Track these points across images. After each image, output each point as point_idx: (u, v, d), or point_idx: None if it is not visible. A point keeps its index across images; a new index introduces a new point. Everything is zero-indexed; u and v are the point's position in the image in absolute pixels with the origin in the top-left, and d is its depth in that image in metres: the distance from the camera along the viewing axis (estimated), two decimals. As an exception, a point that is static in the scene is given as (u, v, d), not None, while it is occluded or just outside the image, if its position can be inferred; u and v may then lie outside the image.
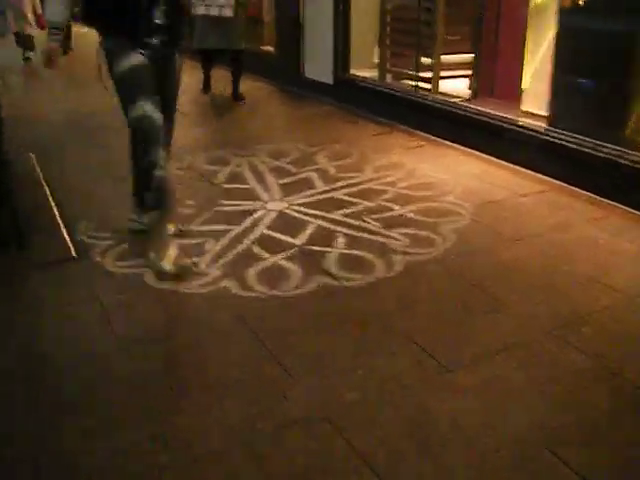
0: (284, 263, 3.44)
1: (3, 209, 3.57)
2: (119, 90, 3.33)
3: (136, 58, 3.26)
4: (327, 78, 7.20)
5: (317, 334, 2.85)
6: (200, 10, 6.79)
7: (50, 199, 4.31)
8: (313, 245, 3.64)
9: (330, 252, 3.56)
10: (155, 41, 3.33)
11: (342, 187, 4.52)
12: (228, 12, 6.80)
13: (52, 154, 5.47)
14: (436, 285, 3.25)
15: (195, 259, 3.47)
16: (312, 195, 4.38)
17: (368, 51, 7.06)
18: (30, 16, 10.42)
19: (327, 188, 4.50)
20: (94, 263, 3.50)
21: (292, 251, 3.57)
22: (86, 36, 11.41)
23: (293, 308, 3.04)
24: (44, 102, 7.62)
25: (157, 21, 3.29)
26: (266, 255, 3.52)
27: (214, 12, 6.80)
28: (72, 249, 3.62)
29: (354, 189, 4.47)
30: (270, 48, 8.72)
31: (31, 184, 4.64)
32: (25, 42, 10.61)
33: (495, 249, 3.61)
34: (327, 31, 7.08)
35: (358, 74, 7.01)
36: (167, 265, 3.30)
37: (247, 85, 7.67)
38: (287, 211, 4.13)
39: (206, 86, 7.67)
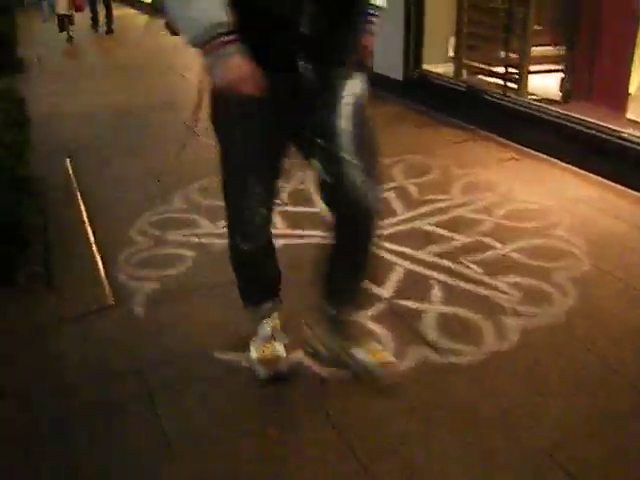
0: (371, 325, 2.76)
1: (29, 248, 2.97)
2: (222, 162, 2.20)
3: (261, 111, 1.99)
4: (396, 73, 6.42)
5: (419, 435, 2.18)
6: None
7: (86, 222, 3.70)
8: (404, 298, 2.94)
9: (426, 310, 2.86)
10: (302, 64, 1.98)
11: (428, 214, 3.78)
12: None
13: (91, 160, 4.87)
14: (565, 366, 2.52)
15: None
16: (394, 225, 3.64)
17: (442, 43, 6.27)
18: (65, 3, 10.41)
19: (410, 215, 3.77)
20: (135, 315, 2.88)
21: (380, 306, 2.89)
22: (126, 17, 10.95)
23: (386, 396, 2.37)
24: (84, 93, 7.04)
25: (301, 29, 1.92)
26: (347, 313, 2.84)
27: None
28: (109, 294, 3.00)
29: (442, 217, 3.74)
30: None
31: (64, 198, 4.07)
32: (66, 22, 10.55)
33: (631, 310, 2.86)
34: (397, 18, 6.28)
35: (431, 70, 6.24)
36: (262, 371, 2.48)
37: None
38: (366, 247, 3.43)
39: None
